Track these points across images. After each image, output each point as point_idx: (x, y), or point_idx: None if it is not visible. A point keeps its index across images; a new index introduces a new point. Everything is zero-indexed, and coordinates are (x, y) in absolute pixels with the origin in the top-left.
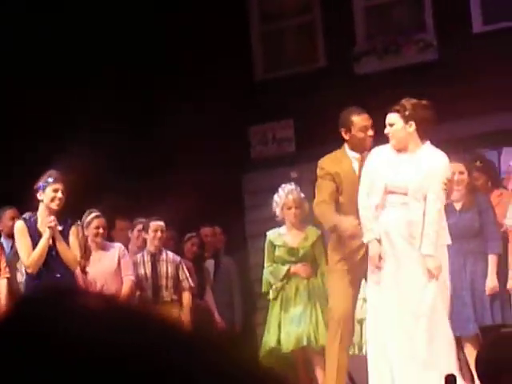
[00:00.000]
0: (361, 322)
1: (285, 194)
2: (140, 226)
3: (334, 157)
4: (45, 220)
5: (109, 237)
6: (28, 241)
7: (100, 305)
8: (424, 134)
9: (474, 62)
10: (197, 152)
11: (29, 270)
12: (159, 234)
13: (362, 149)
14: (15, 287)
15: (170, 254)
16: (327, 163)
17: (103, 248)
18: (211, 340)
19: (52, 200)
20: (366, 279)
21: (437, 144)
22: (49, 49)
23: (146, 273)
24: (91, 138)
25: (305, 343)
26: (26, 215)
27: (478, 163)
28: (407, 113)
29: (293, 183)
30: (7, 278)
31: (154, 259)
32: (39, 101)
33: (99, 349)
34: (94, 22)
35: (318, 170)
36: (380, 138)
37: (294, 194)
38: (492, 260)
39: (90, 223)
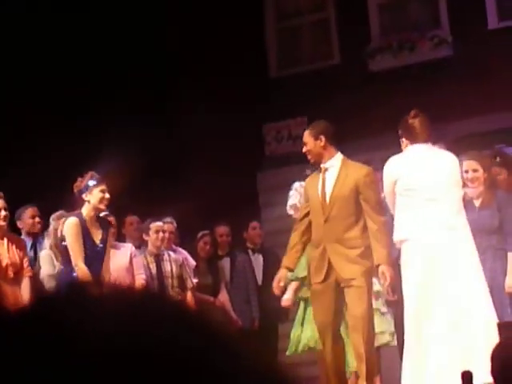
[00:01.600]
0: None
1: (299, 193)
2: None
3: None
4: (93, 220)
5: (120, 234)
6: (81, 239)
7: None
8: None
9: (489, 59)
10: (211, 150)
11: (77, 269)
12: (161, 234)
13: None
14: (38, 285)
15: (172, 254)
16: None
17: (114, 247)
18: (231, 335)
19: (100, 201)
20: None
21: (451, 141)
22: (72, 48)
23: (151, 273)
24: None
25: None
26: (74, 214)
27: (497, 159)
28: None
29: (303, 183)
30: (30, 276)
31: (158, 259)
32: (58, 102)
33: (128, 340)
34: (112, 23)
35: None
36: (395, 134)
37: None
38: (511, 257)
39: None
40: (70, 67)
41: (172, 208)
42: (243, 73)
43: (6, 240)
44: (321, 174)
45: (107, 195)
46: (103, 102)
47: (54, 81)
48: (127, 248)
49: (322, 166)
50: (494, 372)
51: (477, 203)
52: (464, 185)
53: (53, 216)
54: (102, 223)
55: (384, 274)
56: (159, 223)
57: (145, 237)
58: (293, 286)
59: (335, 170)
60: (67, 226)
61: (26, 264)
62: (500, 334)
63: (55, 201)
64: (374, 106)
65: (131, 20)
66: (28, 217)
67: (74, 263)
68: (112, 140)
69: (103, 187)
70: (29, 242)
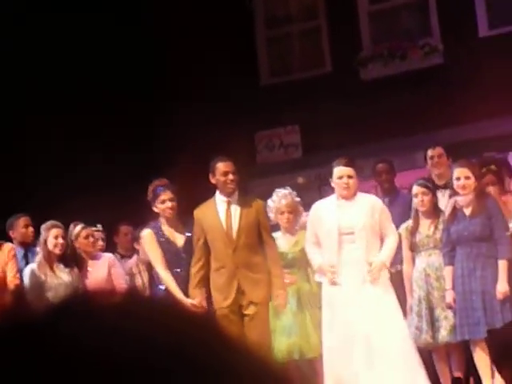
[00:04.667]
0: None
1: (278, 199)
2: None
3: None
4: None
5: (112, 242)
6: (158, 249)
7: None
8: None
9: (479, 66)
10: (202, 159)
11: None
12: None
13: (225, 193)
14: (22, 293)
15: None
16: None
17: (93, 258)
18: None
19: (164, 211)
20: None
21: (443, 148)
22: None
23: (143, 281)
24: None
25: (296, 357)
26: (150, 225)
27: (492, 167)
28: None
29: (288, 188)
30: (16, 284)
31: (150, 267)
32: (42, 106)
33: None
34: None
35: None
36: (385, 142)
37: (287, 199)
38: (502, 265)
39: (78, 235)
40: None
41: None
42: (234, 81)
43: None
44: (224, 206)
45: (169, 204)
46: (92, 115)
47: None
48: (105, 259)
49: (227, 199)
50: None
51: (467, 211)
52: (455, 192)
53: (43, 226)
54: None
55: (279, 298)
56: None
57: (136, 245)
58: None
59: (237, 203)
60: (143, 238)
61: (14, 271)
62: (491, 339)
63: (45, 210)
64: (365, 114)
65: (121, 27)
66: (21, 226)
67: (159, 273)
68: (101, 152)
69: (164, 197)
70: (21, 252)
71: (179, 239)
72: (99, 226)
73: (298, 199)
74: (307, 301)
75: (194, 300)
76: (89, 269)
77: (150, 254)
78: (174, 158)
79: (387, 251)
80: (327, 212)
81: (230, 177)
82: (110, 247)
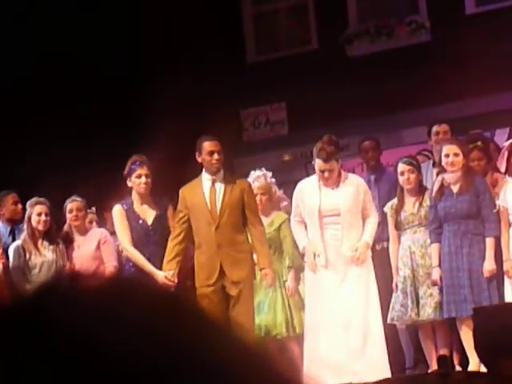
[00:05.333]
0: None
1: (252, 181)
2: None
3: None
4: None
5: (102, 218)
6: (126, 224)
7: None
8: None
9: (466, 44)
10: (189, 136)
11: (126, 253)
12: None
13: (210, 171)
14: (8, 273)
15: None
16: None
17: (84, 233)
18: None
19: (138, 185)
20: None
21: (429, 126)
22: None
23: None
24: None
25: (262, 334)
26: (121, 201)
27: (479, 143)
28: None
29: (263, 169)
30: (3, 263)
31: None
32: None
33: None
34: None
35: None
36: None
37: (260, 181)
38: (490, 243)
39: (65, 209)
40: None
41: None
42: (220, 58)
43: None
44: (209, 184)
45: (144, 179)
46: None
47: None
48: (96, 234)
49: (212, 177)
50: (482, 359)
51: (455, 189)
52: (442, 169)
53: (28, 203)
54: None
55: (267, 276)
56: None
57: None
58: (291, 275)
59: (222, 181)
60: (113, 214)
61: None
62: (474, 318)
63: (31, 187)
64: (351, 91)
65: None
66: (10, 203)
67: (122, 246)
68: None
69: (140, 172)
70: (7, 229)
71: (150, 217)
72: (93, 209)
73: (272, 180)
74: (281, 280)
75: (166, 273)
76: (78, 245)
77: (117, 230)
78: (159, 135)
79: (370, 231)
80: (309, 193)
81: (216, 156)
82: (101, 224)
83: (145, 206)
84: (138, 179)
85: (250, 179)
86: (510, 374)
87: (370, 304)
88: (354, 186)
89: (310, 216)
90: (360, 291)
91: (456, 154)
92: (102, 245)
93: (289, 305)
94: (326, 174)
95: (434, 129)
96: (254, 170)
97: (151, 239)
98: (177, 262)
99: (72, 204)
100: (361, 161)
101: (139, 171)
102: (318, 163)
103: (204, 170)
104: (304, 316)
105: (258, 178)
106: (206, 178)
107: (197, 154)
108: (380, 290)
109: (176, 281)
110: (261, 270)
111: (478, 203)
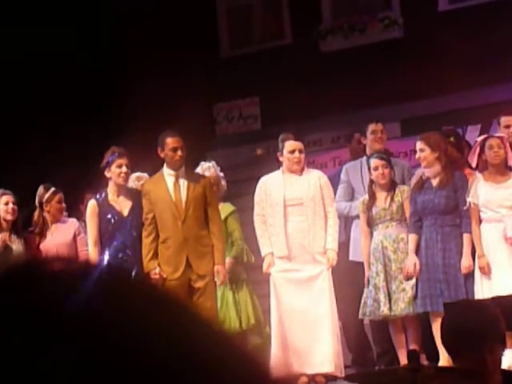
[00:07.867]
0: None
1: (202, 171)
2: None
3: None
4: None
5: (78, 210)
6: (96, 221)
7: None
8: None
9: (439, 40)
10: (161, 130)
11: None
12: None
13: (172, 167)
14: None
15: None
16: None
17: (57, 222)
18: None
19: (118, 175)
20: None
21: (401, 122)
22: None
23: None
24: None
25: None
26: (96, 195)
27: (452, 139)
28: None
29: (213, 162)
30: None
31: None
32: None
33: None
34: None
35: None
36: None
37: (210, 172)
38: (466, 239)
39: (52, 198)
40: None
41: None
42: (194, 52)
43: None
44: (172, 179)
45: (124, 169)
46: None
47: None
48: (71, 224)
49: (175, 172)
50: (447, 351)
51: (434, 183)
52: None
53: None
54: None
55: (219, 274)
56: None
57: None
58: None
59: (185, 177)
60: (87, 209)
61: None
62: (446, 312)
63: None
64: (324, 86)
65: None
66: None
67: (90, 243)
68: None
69: (121, 161)
70: None
71: (125, 208)
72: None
73: (220, 174)
74: (231, 272)
75: (151, 270)
76: (51, 233)
77: (87, 225)
78: (132, 129)
79: (333, 237)
80: (273, 185)
81: (179, 153)
82: (75, 215)
83: (121, 198)
84: (118, 169)
85: (199, 170)
86: (475, 368)
87: (322, 300)
88: (316, 178)
89: (274, 206)
90: (316, 287)
91: (421, 150)
92: (78, 235)
93: (239, 300)
94: (297, 155)
95: (372, 127)
96: (204, 161)
97: (128, 230)
98: (155, 259)
99: (60, 195)
100: (333, 155)
101: (120, 161)
102: (289, 144)
103: (166, 165)
104: (253, 310)
105: (208, 169)
106: (168, 173)
107: (159, 149)
108: (348, 286)
109: (165, 276)
110: (213, 265)
111: (456, 198)
